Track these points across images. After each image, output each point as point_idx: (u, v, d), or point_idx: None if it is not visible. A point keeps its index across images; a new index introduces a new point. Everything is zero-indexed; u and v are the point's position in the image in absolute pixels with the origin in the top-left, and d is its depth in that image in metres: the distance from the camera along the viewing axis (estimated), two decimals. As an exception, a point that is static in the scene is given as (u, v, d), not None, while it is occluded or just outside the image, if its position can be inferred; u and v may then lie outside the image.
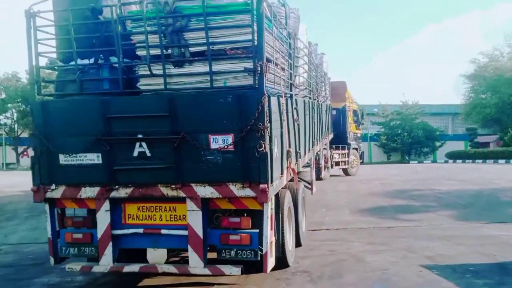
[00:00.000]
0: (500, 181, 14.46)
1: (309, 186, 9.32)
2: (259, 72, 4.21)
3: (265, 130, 4.24)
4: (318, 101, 10.95)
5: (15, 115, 34.83)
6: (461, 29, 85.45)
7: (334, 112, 17.55)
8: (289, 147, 5.56)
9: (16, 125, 35.11)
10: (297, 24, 7.09)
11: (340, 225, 8.25)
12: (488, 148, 35.42)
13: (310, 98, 8.80)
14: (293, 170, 5.53)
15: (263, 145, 4.22)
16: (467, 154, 34.10)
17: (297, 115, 6.60)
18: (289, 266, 5.75)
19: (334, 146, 16.32)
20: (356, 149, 18.19)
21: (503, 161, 28.37)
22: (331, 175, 16.61)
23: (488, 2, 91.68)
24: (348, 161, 17.23)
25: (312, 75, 9.60)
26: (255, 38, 4.21)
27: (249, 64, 4.31)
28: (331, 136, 15.64)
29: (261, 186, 4.26)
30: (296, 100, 6.62)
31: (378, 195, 11.52)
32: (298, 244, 6.63)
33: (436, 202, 10.52)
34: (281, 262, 5.49)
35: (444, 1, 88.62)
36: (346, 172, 17.45)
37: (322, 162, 13.28)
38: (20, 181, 13.88)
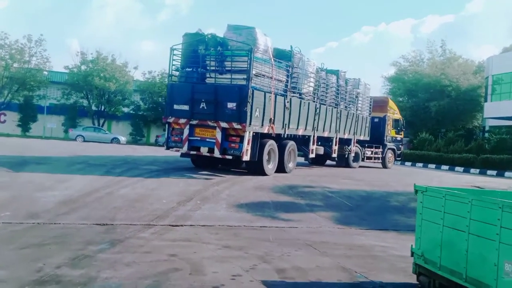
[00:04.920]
0: (396, 184, 14.34)
1: (307, 151, 15.40)
2: (247, 79, 10.89)
3: (248, 102, 10.84)
4: (335, 107, 16.70)
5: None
6: (394, 34, 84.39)
7: (376, 120, 22.38)
8: (273, 117, 12.03)
9: None
10: (299, 60, 13.37)
11: (208, 221, 7.31)
12: None
13: (314, 101, 14.82)
14: (272, 127, 12.01)
15: (246, 108, 10.84)
16: None
17: (290, 105, 12.97)
18: (267, 175, 12.20)
19: (366, 145, 21.00)
20: (394, 149, 22.54)
21: (409, 163, 29.25)
22: (367, 166, 21.22)
23: (420, 12, 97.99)
24: (382, 157, 21.80)
25: (323, 89, 15.62)
26: (247, 66, 10.90)
27: (245, 76, 11.00)
28: (363, 137, 20.58)
29: (242, 124, 10.89)
30: (290, 99, 13.02)
31: (266, 189, 10.61)
32: (283, 171, 13.15)
33: (323, 201, 10.00)
34: (260, 168, 12.08)
35: (381, 6, 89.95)
36: (384, 165, 22.06)
37: (334, 147, 17.17)
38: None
